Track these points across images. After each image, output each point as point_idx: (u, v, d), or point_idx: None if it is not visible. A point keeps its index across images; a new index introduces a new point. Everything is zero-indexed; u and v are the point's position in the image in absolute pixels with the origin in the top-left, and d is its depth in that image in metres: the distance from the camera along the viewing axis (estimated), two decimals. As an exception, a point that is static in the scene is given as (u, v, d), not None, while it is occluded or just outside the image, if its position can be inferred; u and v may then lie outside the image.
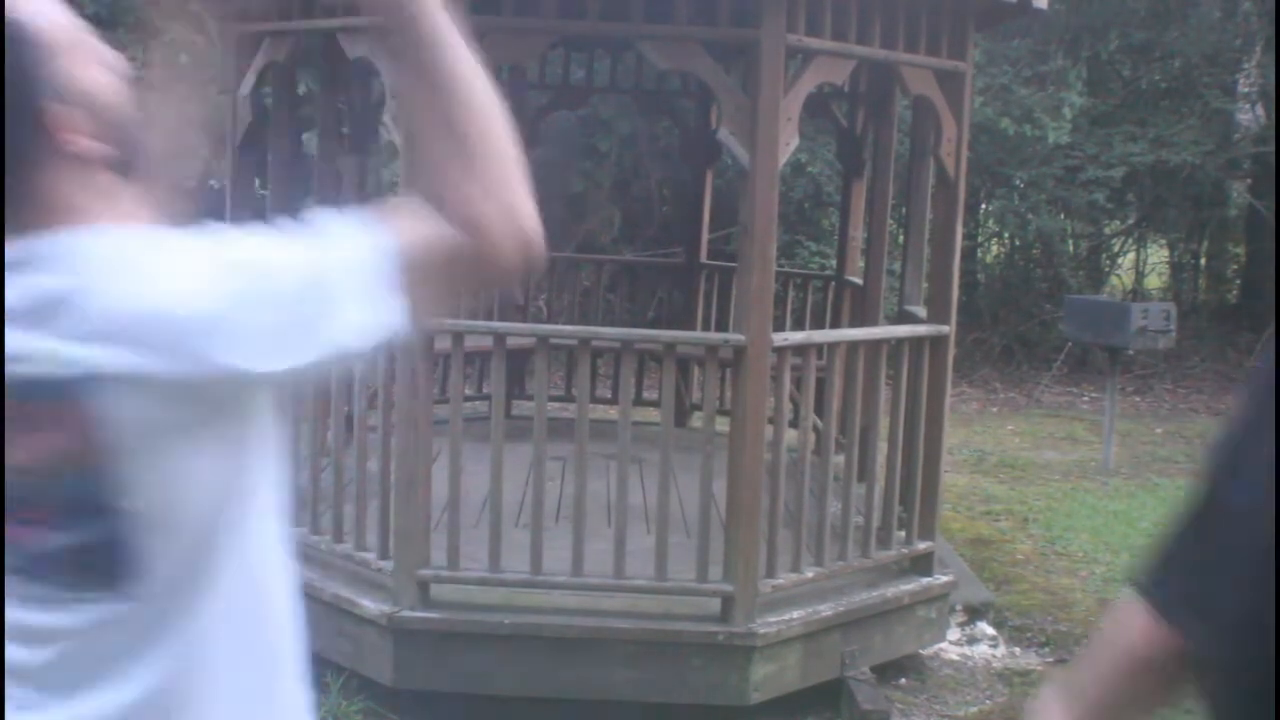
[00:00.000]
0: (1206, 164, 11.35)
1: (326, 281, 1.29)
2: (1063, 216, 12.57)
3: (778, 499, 4.36)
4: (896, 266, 7.07)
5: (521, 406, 6.33)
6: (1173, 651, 1.31)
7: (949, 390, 5.04)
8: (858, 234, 6.47)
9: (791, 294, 7.35)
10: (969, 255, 12.00)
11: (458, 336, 4.32)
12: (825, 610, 4.48)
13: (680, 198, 11.01)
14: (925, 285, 5.33)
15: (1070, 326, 8.84)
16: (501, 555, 4.21)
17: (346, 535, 4.47)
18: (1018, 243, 13.09)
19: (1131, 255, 14.07)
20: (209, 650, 1.37)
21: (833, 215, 11.13)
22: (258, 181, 5.61)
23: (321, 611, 4.23)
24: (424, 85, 1.35)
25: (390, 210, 1.36)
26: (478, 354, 5.80)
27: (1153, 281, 14.43)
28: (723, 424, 4.58)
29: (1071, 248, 13.39)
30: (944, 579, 4.95)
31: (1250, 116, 13.01)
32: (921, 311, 5.17)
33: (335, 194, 5.57)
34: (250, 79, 4.84)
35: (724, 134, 4.21)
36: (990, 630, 5.44)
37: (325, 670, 4.19)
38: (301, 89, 6.47)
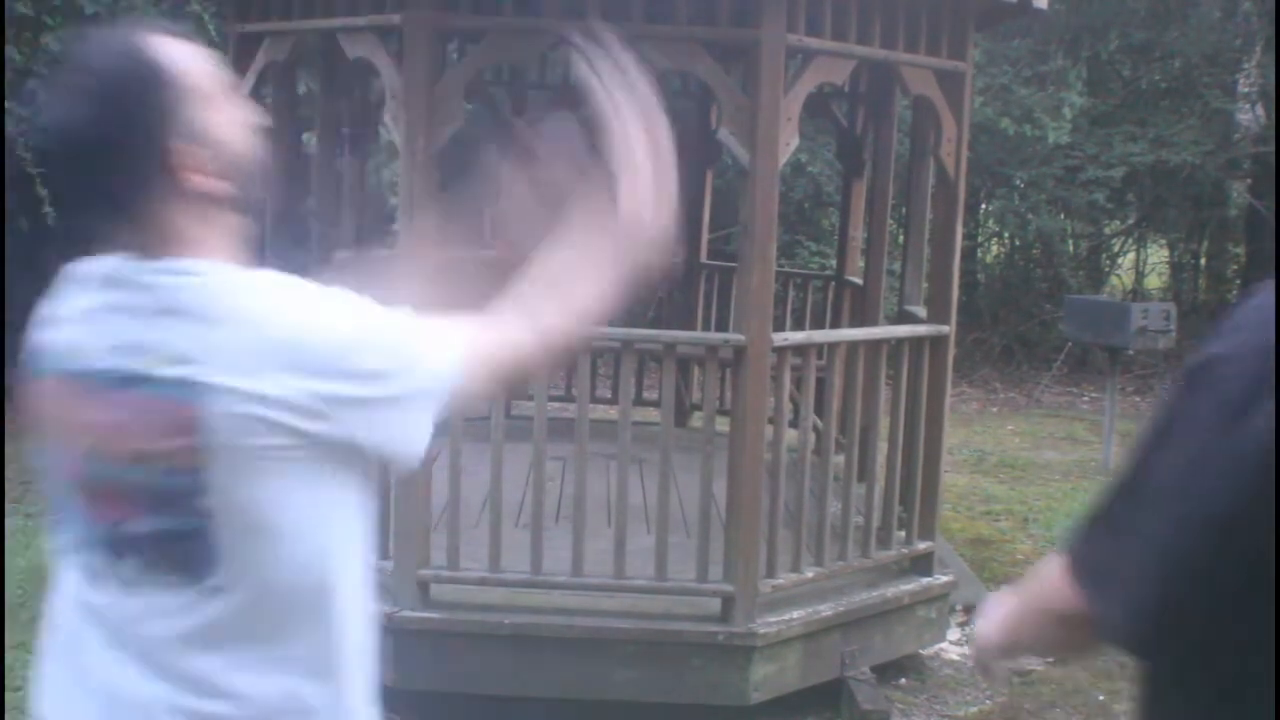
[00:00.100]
0: (1206, 164, 11.35)
1: (409, 387, 1.48)
2: (1063, 216, 12.57)
3: (778, 499, 4.36)
4: (896, 266, 7.07)
5: (521, 406, 6.33)
6: (1082, 613, 1.38)
7: (949, 390, 5.04)
8: (858, 234, 6.47)
9: (791, 294, 7.35)
10: (969, 255, 12.00)
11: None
12: (825, 610, 4.48)
13: (680, 198, 11.01)
14: (925, 285, 5.33)
15: (1070, 326, 8.84)
16: (501, 555, 4.21)
17: (346, 535, 4.46)
18: (1018, 243, 13.09)
19: (1131, 255, 14.08)
20: (278, 652, 1.49)
21: (833, 215, 11.14)
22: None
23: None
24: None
25: (479, 324, 1.57)
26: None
27: (1153, 281, 14.43)
28: (723, 424, 4.58)
29: (1071, 248, 13.39)
30: (944, 579, 4.95)
31: (1250, 116, 13.01)
32: (921, 311, 5.17)
33: (335, 194, 5.57)
34: (250, 79, 4.83)
35: (724, 134, 4.21)
36: (990, 630, 5.43)
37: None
38: (301, 89, 6.47)
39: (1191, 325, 12.14)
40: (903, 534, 4.85)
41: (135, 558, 1.46)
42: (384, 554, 4.29)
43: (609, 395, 7.09)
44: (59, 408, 1.49)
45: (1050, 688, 4.88)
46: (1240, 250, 13.79)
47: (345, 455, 1.47)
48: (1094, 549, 1.39)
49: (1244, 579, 1.27)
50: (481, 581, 4.24)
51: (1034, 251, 13.18)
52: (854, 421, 4.80)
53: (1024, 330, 12.44)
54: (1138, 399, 11.27)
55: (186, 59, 1.47)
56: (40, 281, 1.56)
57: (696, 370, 6.70)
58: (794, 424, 4.99)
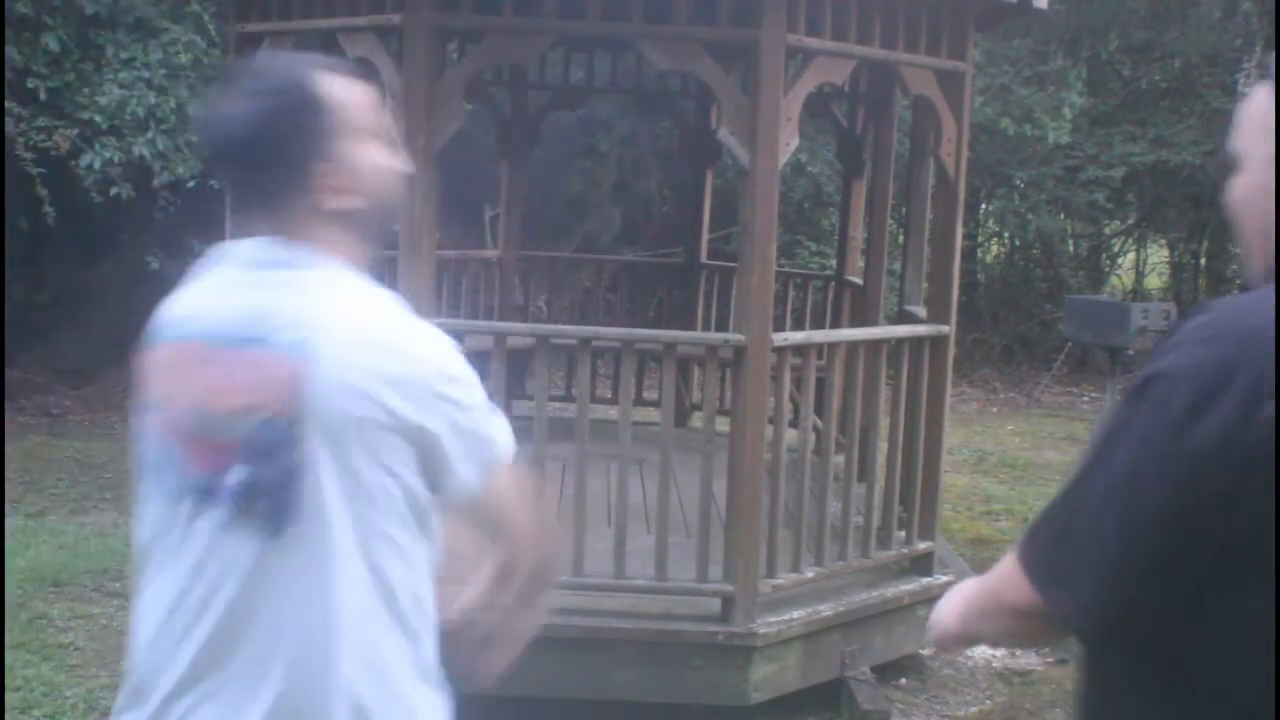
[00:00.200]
0: (1206, 164, 11.34)
1: (482, 422, 1.72)
2: (1063, 216, 12.57)
3: (778, 499, 4.36)
4: (896, 266, 7.07)
5: (521, 406, 6.33)
6: (1036, 607, 1.47)
7: (949, 390, 5.04)
8: (858, 234, 6.47)
9: (791, 294, 7.35)
10: (969, 255, 12.00)
11: (458, 336, 4.31)
12: (825, 610, 4.49)
13: (680, 198, 11.01)
14: (925, 285, 5.33)
15: (1070, 326, 8.84)
16: (501, 555, 4.20)
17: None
18: (1018, 243, 13.08)
19: (1131, 255, 14.07)
20: (342, 605, 1.63)
21: (833, 215, 11.14)
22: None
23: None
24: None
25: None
26: (477, 354, 5.79)
27: (1153, 281, 14.42)
28: (723, 424, 4.58)
29: (1071, 248, 13.39)
30: (944, 579, 4.94)
31: (1250, 117, 12.97)
32: (921, 311, 5.17)
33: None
34: (250, 79, 4.83)
35: (724, 134, 4.21)
36: (990, 630, 5.44)
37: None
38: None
39: (1191, 325, 12.13)
40: (903, 534, 4.85)
41: (226, 506, 1.62)
42: (384, 554, 4.29)
43: (609, 395, 7.09)
44: (174, 369, 1.68)
45: (1050, 688, 4.89)
46: (1240, 250, 13.77)
47: (426, 447, 1.65)
48: (1046, 547, 1.48)
49: (1190, 575, 1.35)
50: (481, 581, 4.24)
51: (1034, 251, 13.17)
52: (854, 421, 4.80)
53: (1024, 330, 12.44)
54: (1138, 399, 11.25)
55: (348, 96, 1.70)
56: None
57: (696, 370, 6.70)
58: (794, 424, 4.99)
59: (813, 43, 4.18)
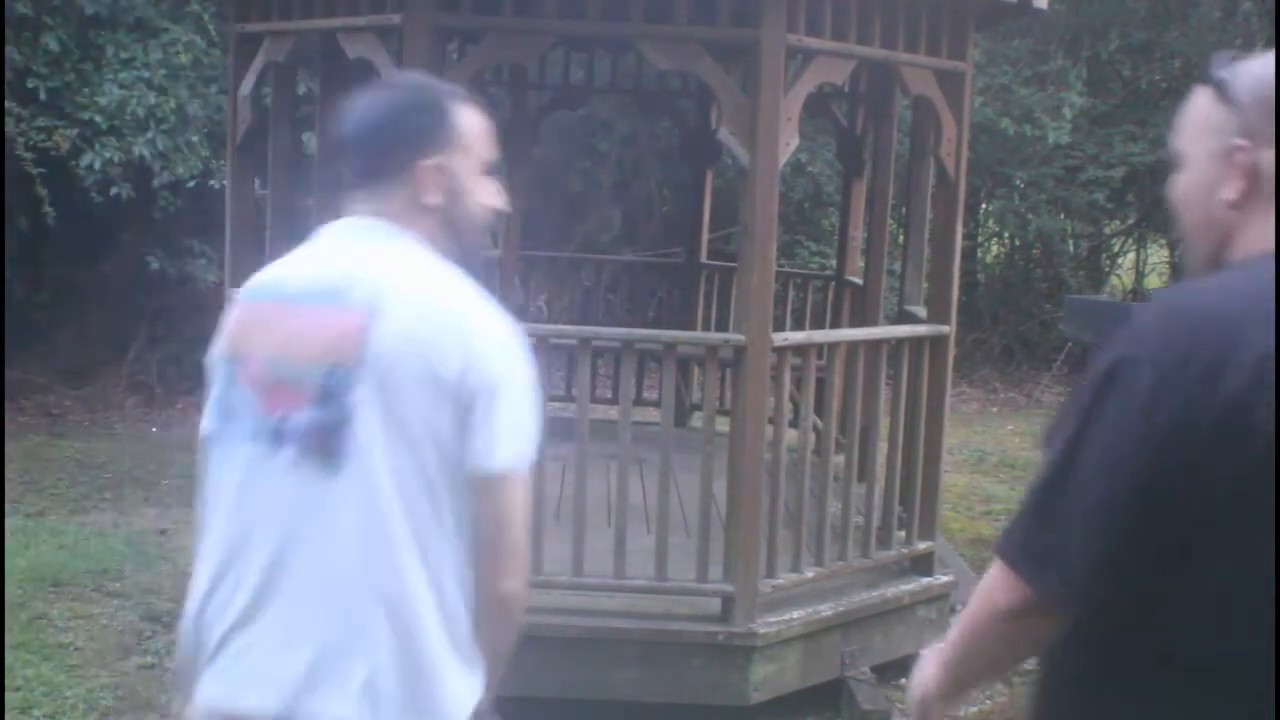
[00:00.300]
0: (1206, 164, 11.34)
1: (521, 401, 1.91)
2: (1063, 216, 12.56)
3: (778, 499, 4.36)
4: (896, 266, 7.07)
5: (521, 406, 6.32)
6: (1026, 598, 1.54)
7: (949, 390, 5.04)
8: (858, 234, 6.47)
9: (791, 294, 7.35)
10: (969, 255, 11.99)
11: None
12: (825, 610, 4.49)
13: (680, 198, 11.01)
14: (925, 285, 5.33)
15: (1070, 326, 8.82)
16: (501, 555, 4.20)
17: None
18: (1018, 243, 13.08)
19: (1131, 255, 14.06)
20: (383, 541, 1.77)
21: (833, 215, 11.13)
22: (257, 182, 5.62)
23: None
24: None
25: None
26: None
27: (1153, 281, 14.41)
28: (723, 424, 4.58)
29: (1071, 248, 13.38)
30: (944, 579, 4.95)
31: (1250, 117, 12.98)
32: (921, 311, 5.17)
33: (335, 194, 5.57)
34: (250, 79, 4.83)
35: (724, 134, 4.21)
36: (990, 630, 5.43)
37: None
38: (302, 89, 6.47)
39: (1191, 325, 12.13)
40: (903, 534, 4.85)
41: (293, 446, 1.78)
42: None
43: (609, 395, 7.08)
44: (257, 324, 1.87)
45: (1050, 688, 4.88)
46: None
47: (465, 409, 1.78)
48: (1027, 536, 1.55)
49: (1169, 542, 1.44)
50: (481, 581, 4.24)
51: (1034, 251, 13.16)
52: (854, 421, 4.80)
53: (1024, 330, 12.43)
54: (1138, 399, 11.25)
55: (468, 120, 1.94)
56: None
57: (696, 370, 6.70)
58: (794, 424, 4.99)
59: (813, 43, 4.18)
